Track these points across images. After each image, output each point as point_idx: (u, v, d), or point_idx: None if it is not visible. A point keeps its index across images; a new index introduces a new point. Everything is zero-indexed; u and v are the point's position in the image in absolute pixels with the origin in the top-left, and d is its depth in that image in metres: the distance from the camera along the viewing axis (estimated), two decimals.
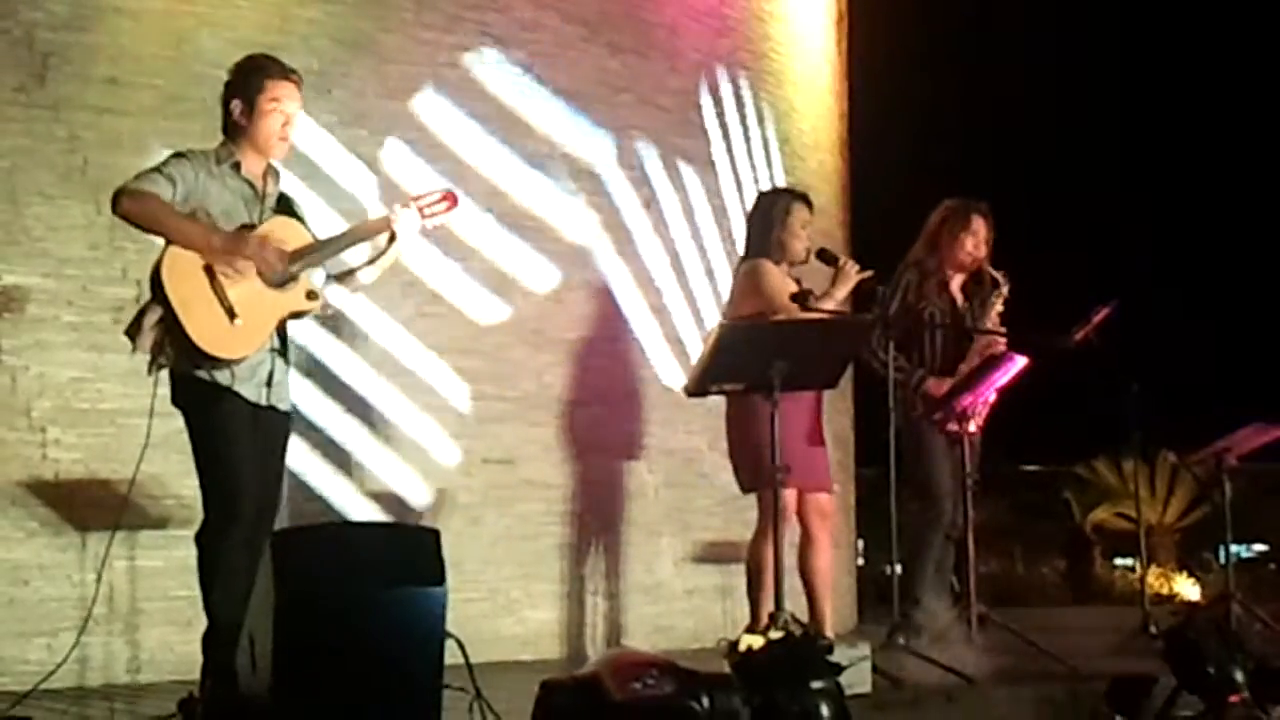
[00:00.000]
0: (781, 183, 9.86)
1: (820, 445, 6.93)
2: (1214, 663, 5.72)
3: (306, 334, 7.16)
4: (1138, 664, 6.64)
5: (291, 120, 5.41)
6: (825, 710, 4.62)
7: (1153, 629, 7.63)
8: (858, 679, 5.45)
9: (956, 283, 7.61)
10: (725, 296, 9.27)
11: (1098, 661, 6.95)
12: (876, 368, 7.20)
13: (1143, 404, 8.07)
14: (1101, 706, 5.78)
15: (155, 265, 5.18)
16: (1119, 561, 19.06)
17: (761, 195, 7.38)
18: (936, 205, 7.77)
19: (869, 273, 6.83)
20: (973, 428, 7.39)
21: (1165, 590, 16.70)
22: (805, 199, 7.05)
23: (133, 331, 5.22)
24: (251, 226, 5.30)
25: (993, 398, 7.39)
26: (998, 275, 7.49)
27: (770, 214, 6.97)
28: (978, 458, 7.57)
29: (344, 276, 5.60)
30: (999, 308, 7.47)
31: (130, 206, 5.16)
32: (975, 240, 7.54)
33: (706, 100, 9.39)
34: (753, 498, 6.95)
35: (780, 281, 6.80)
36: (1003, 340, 7.38)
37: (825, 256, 6.86)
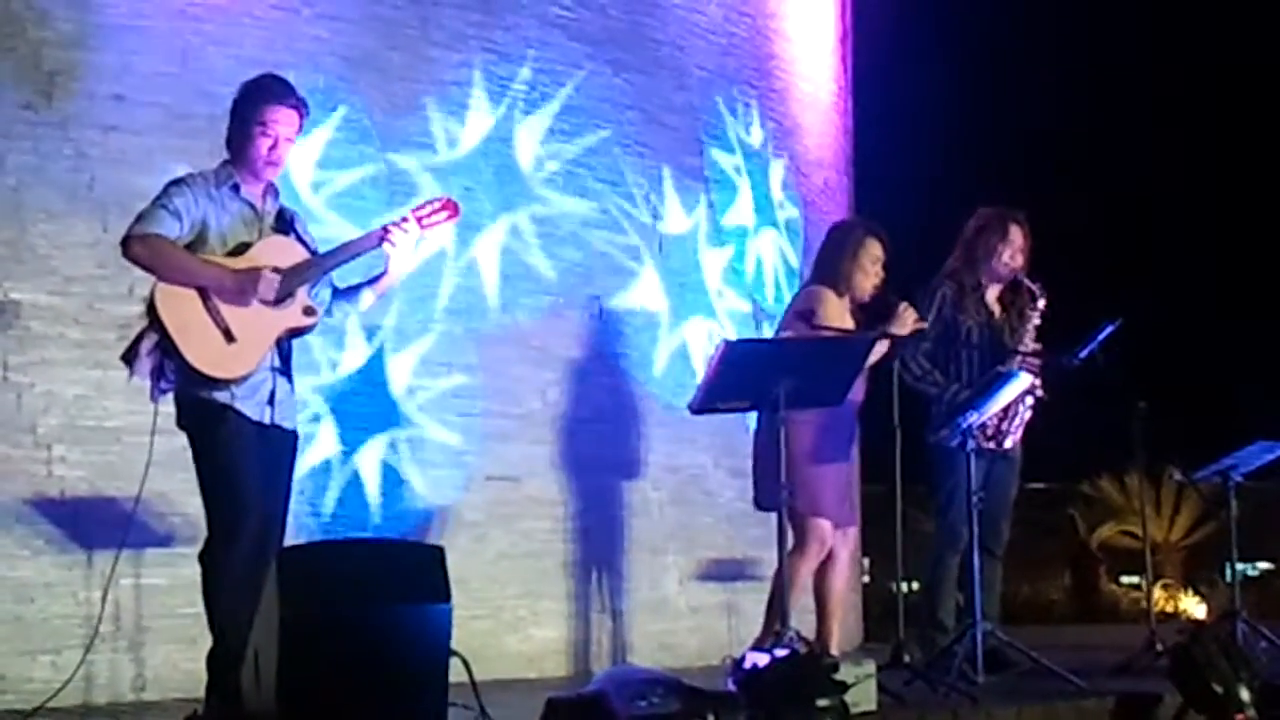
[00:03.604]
0: (788, 199, 9.89)
1: (854, 476, 6.97)
2: (1220, 681, 5.72)
3: (311, 350, 7.16)
4: (1144, 682, 6.64)
5: (281, 144, 5.39)
6: None
7: (1159, 647, 7.61)
8: (863, 697, 5.44)
9: (993, 294, 7.54)
10: (730, 314, 9.32)
11: (1104, 679, 6.94)
12: (910, 381, 7.20)
13: (1148, 421, 8.06)
14: None
15: (150, 291, 5.19)
16: (1125, 579, 19.07)
17: (836, 225, 7.34)
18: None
19: (925, 324, 6.85)
20: (1009, 444, 7.39)
21: (1171, 608, 16.71)
22: (880, 235, 6.96)
23: (129, 357, 5.22)
24: (249, 245, 5.30)
25: (1028, 414, 7.38)
26: (1034, 288, 7.43)
27: (842, 244, 6.94)
28: (1016, 474, 7.60)
29: (350, 292, 5.61)
30: (1036, 321, 7.43)
31: (141, 252, 5.18)
32: (1012, 250, 7.45)
33: (712, 118, 9.41)
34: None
35: (837, 313, 6.77)
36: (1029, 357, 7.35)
37: (884, 300, 6.82)
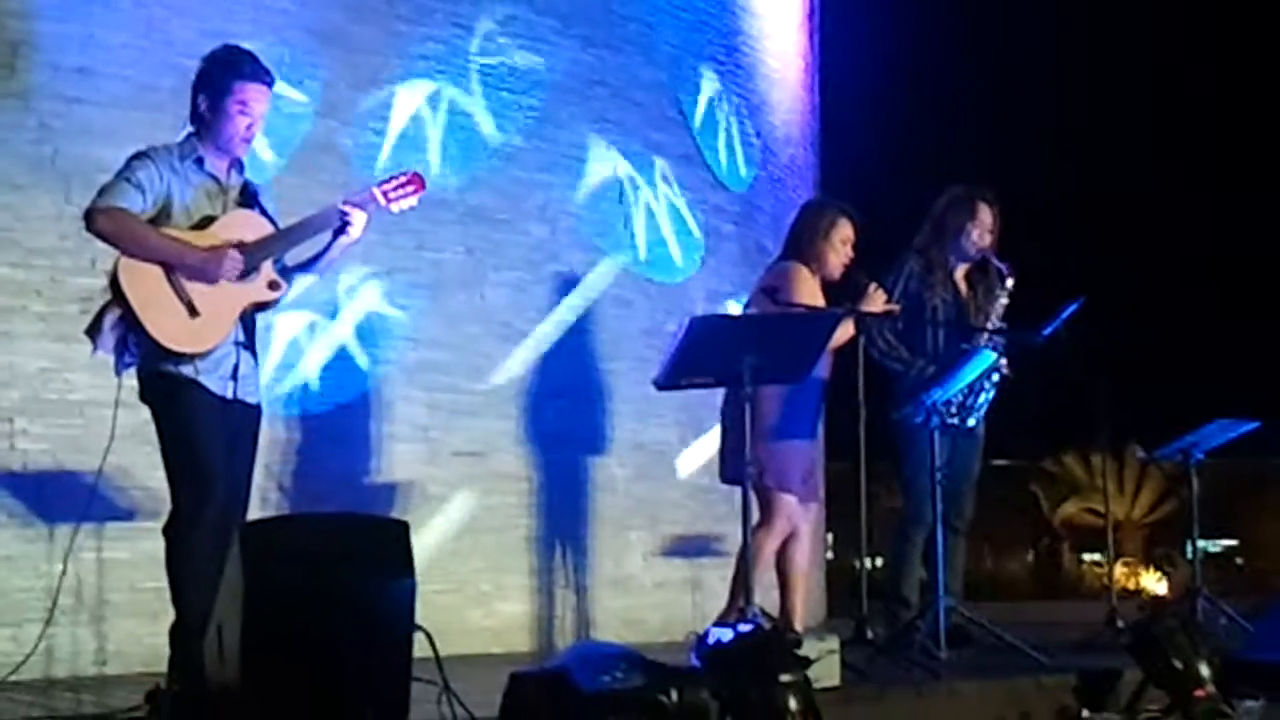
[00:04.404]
0: (753, 177, 9.90)
1: (819, 452, 7.00)
2: (1180, 657, 5.75)
3: (278, 326, 7.14)
4: (1105, 658, 6.67)
5: (257, 122, 5.37)
6: (793, 704, 4.63)
7: (1120, 623, 7.66)
8: (826, 672, 5.45)
9: (961, 271, 7.58)
10: (696, 290, 9.33)
11: (1065, 655, 6.98)
12: (875, 356, 7.22)
13: (1111, 399, 8.09)
14: (1069, 700, 5.81)
15: (113, 265, 5.16)
16: (1087, 556, 19.18)
17: (808, 204, 7.39)
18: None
19: (895, 307, 6.90)
20: (973, 421, 7.41)
21: (1132, 584, 16.82)
22: (852, 216, 7.02)
23: (93, 332, 5.20)
24: (213, 218, 5.28)
25: (993, 393, 7.40)
26: (1002, 267, 7.45)
27: (815, 224, 6.97)
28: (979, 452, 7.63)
29: (298, 268, 5.57)
30: (1004, 301, 7.45)
31: (105, 225, 5.15)
32: (980, 229, 7.49)
33: (680, 94, 9.40)
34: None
35: (810, 290, 6.81)
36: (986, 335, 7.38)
37: (854, 279, 6.86)
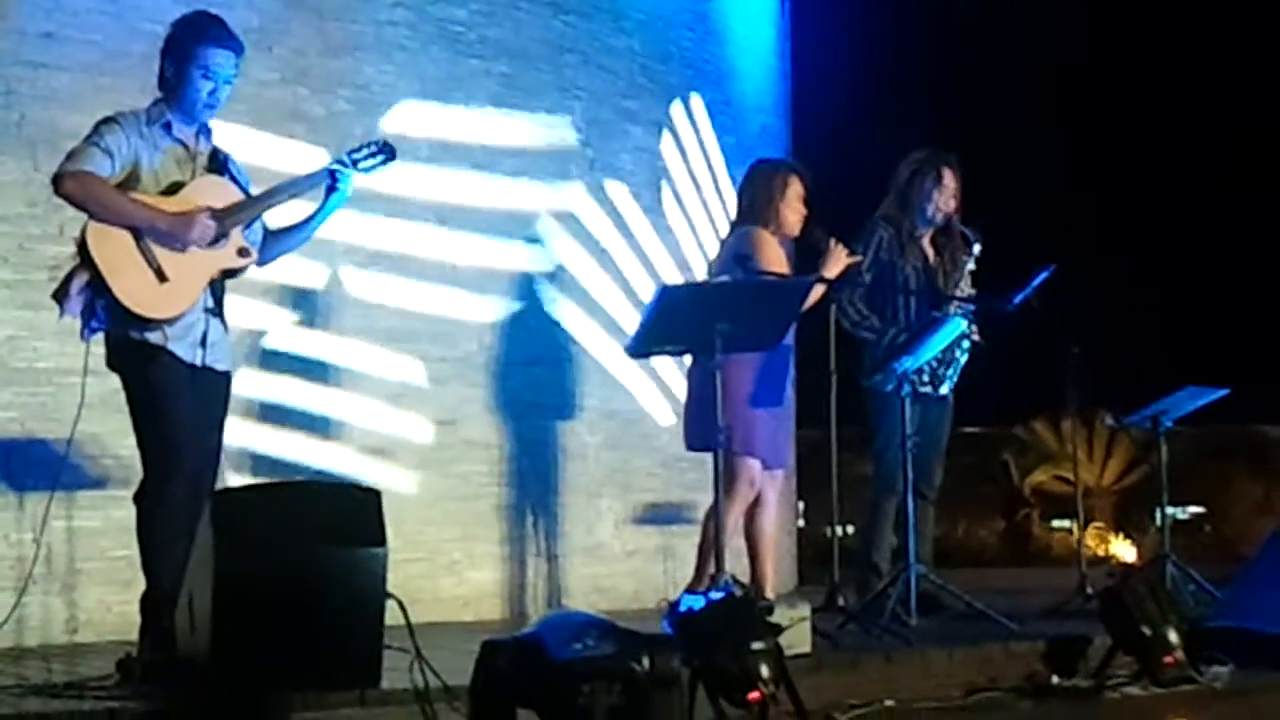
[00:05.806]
0: (723, 145, 9.88)
1: (788, 419, 6.98)
2: (1149, 624, 5.80)
3: (247, 294, 7.11)
4: (1074, 625, 6.71)
5: (221, 88, 5.34)
6: (765, 670, 4.66)
7: (1089, 590, 7.70)
8: (797, 639, 5.48)
9: (927, 237, 7.59)
10: (669, 257, 9.31)
11: (1035, 622, 7.01)
12: (847, 326, 7.23)
13: (1081, 366, 8.12)
14: (1038, 667, 5.84)
15: (81, 230, 5.14)
16: (1056, 523, 19.23)
17: (758, 164, 7.38)
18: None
19: (858, 258, 6.91)
20: (945, 389, 7.42)
21: (1102, 551, 16.87)
22: (801, 172, 7.05)
23: (60, 295, 5.18)
24: (182, 184, 5.26)
25: (964, 359, 7.41)
26: (969, 233, 7.46)
27: (769, 184, 6.98)
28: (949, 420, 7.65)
29: (280, 233, 5.56)
30: (971, 267, 7.46)
31: (74, 190, 5.13)
32: (945, 195, 7.50)
33: (651, 61, 9.37)
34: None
35: (776, 253, 6.82)
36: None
37: (813, 237, 6.87)
